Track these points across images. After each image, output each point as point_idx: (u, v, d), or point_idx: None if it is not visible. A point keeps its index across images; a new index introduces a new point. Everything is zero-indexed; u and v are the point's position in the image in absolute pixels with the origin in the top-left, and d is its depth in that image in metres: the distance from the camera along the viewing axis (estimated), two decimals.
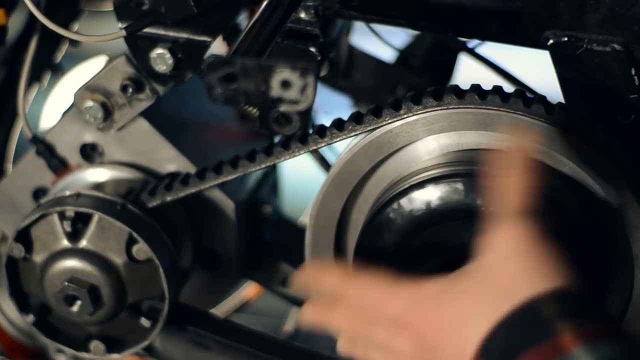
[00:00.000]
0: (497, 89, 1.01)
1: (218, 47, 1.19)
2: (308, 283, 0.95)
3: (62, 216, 1.11)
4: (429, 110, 1.01)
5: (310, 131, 1.06)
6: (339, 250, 1.09)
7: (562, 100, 1.05)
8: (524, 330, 0.81)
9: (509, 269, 0.84)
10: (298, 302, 1.32)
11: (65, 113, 1.18)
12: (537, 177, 0.88)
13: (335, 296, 0.92)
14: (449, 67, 1.47)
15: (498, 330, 0.82)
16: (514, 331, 0.81)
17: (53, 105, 1.60)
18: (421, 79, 1.47)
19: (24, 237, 1.13)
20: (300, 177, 1.63)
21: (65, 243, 1.12)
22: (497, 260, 0.85)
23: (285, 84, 0.85)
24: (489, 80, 1.10)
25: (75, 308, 1.12)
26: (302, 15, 1.06)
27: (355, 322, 0.91)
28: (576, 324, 0.80)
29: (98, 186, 1.16)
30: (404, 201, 1.00)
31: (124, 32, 1.08)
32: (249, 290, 1.61)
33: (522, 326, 0.81)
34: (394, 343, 0.89)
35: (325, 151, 1.32)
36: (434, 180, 1.00)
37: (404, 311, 0.88)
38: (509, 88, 1.03)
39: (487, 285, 0.85)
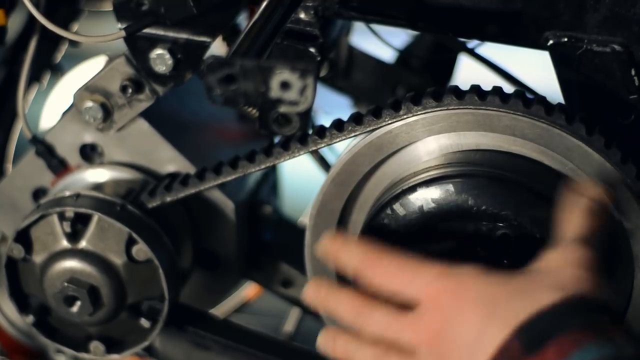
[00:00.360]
0: (497, 90, 1.01)
1: (218, 47, 1.19)
2: (329, 254, 0.94)
3: (61, 217, 1.11)
4: (429, 110, 1.01)
5: (310, 132, 1.06)
6: None
7: (562, 101, 1.05)
8: (570, 316, 0.81)
9: (561, 274, 0.85)
10: (298, 303, 1.32)
11: (64, 113, 1.18)
12: (604, 221, 0.91)
13: (353, 272, 0.92)
14: (449, 67, 1.47)
15: (540, 316, 0.82)
16: (560, 317, 0.81)
17: (53, 106, 1.60)
18: (421, 80, 1.47)
19: (23, 237, 1.13)
20: (300, 177, 1.63)
21: (64, 244, 1.12)
22: (550, 266, 0.87)
23: (285, 85, 0.85)
24: (489, 80, 1.10)
25: (75, 309, 1.12)
26: (302, 15, 1.06)
27: (355, 306, 0.91)
28: (618, 325, 0.82)
29: (98, 187, 1.16)
30: (404, 201, 1.00)
31: (123, 33, 1.08)
32: (249, 290, 1.61)
33: (568, 314, 0.82)
34: (396, 327, 0.88)
35: (325, 151, 1.32)
36: (434, 180, 1.00)
37: (429, 284, 0.88)
38: (508, 88, 1.03)
39: (536, 280, 0.85)
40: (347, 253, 0.93)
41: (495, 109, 1.00)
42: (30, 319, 1.16)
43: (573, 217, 0.91)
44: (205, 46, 1.09)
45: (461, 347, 0.85)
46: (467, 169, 1.00)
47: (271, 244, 1.30)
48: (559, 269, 0.86)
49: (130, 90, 1.13)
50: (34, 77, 1.41)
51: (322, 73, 1.41)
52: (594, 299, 0.84)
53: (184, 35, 1.09)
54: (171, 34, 1.09)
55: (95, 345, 1.16)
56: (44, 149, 1.18)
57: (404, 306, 0.89)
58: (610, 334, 0.81)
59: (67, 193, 1.13)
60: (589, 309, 0.83)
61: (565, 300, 0.83)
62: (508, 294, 0.84)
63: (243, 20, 1.19)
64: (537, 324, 0.82)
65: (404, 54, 1.50)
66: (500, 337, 0.82)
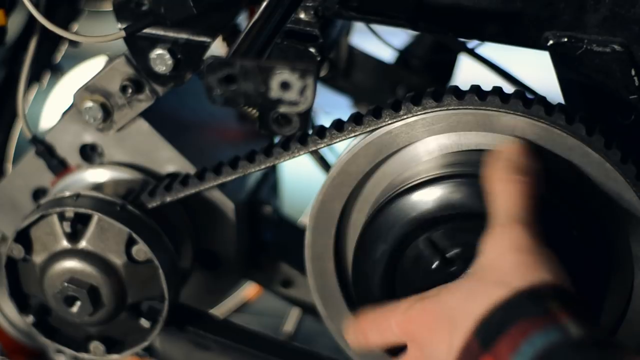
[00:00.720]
0: (497, 90, 1.01)
1: (218, 47, 1.19)
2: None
3: (61, 217, 1.11)
4: (429, 111, 1.01)
5: (310, 132, 1.06)
6: (338, 250, 1.09)
7: (562, 101, 1.05)
8: (517, 308, 0.82)
9: (502, 265, 0.86)
10: (298, 303, 1.32)
11: (64, 113, 1.18)
12: (532, 182, 0.91)
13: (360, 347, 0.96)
14: (449, 67, 1.47)
15: (491, 312, 0.83)
16: (508, 310, 0.83)
17: (53, 106, 1.60)
18: (421, 80, 1.47)
19: (23, 237, 1.13)
20: (300, 177, 1.63)
21: (64, 244, 1.12)
22: (490, 259, 0.88)
23: (285, 85, 0.85)
24: (489, 80, 1.10)
25: (74, 309, 1.12)
26: (302, 15, 1.06)
27: None
28: (567, 307, 0.82)
29: (98, 187, 1.16)
30: (404, 201, 1.00)
31: (123, 33, 1.08)
32: (249, 290, 1.61)
33: (516, 306, 0.83)
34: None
35: (325, 152, 1.32)
36: (434, 181, 1.00)
37: (400, 319, 0.91)
38: (509, 88, 1.03)
39: (480, 280, 0.87)
40: (348, 335, 0.97)
41: (495, 109, 1.00)
42: (30, 319, 1.16)
43: (500, 193, 0.91)
44: (205, 46, 1.09)
45: None
46: (467, 169, 1.00)
47: (271, 244, 1.30)
48: (499, 260, 0.87)
49: (130, 91, 1.13)
50: (34, 77, 1.41)
51: (322, 73, 1.41)
52: (540, 284, 0.84)
53: (184, 36, 1.09)
54: (171, 34, 1.09)
55: (95, 345, 1.16)
56: (44, 149, 1.18)
57: None
58: (558, 318, 0.81)
59: (67, 193, 1.13)
60: (537, 296, 0.83)
61: (513, 292, 0.83)
62: (461, 301, 0.86)
63: (243, 20, 1.19)
64: (490, 320, 0.83)
65: (404, 54, 1.50)
66: (460, 345, 0.85)
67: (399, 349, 0.93)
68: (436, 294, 0.89)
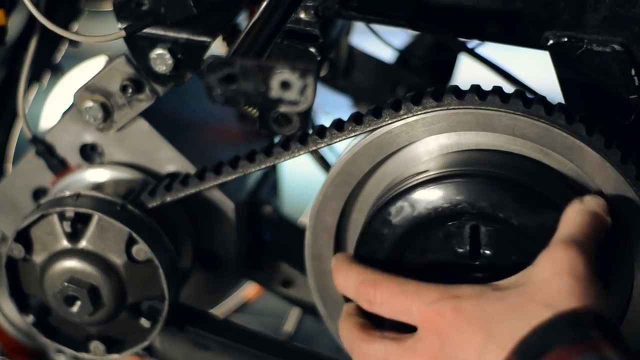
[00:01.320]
0: (497, 90, 1.01)
1: (218, 47, 1.19)
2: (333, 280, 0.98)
3: (61, 216, 1.11)
4: (429, 110, 1.01)
5: (310, 132, 1.06)
6: (338, 250, 1.09)
7: (562, 101, 1.05)
8: (560, 333, 0.83)
9: (555, 287, 0.86)
10: (298, 303, 1.32)
11: (65, 113, 1.18)
12: (603, 223, 0.93)
13: (353, 296, 0.95)
14: (449, 67, 1.47)
15: (535, 334, 0.83)
16: (550, 334, 0.83)
17: (53, 106, 1.60)
18: (421, 79, 1.47)
19: (23, 237, 1.13)
20: (300, 177, 1.63)
21: (65, 243, 1.12)
22: (542, 277, 0.87)
23: (285, 85, 0.85)
24: (489, 80, 1.10)
25: (75, 308, 1.12)
26: (302, 15, 1.06)
27: (355, 334, 0.96)
28: (607, 337, 0.82)
29: (98, 186, 1.16)
30: (404, 201, 1.00)
31: (123, 33, 1.08)
32: (249, 290, 1.61)
33: (558, 330, 0.83)
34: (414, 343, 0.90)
35: (325, 151, 1.32)
36: (434, 180, 1.00)
37: (427, 307, 0.90)
38: (509, 88, 1.03)
39: (528, 296, 0.86)
40: (344, 280, 0.97)
41: (495, 108, 1.00)
42: (30, 318, 1.16)
43: (568, 217, 0.92)
44: (205, 46, 1.09)
45: None
46: (467, 169, 1.00)
47: (271, 244, 1.30)
48: (550, 281, 0.87)
49: (130, 90, 1.13)
50: (34, 77, 1.41)
51: (322, 73, 1.41)
52: (585, 312, 0.84)
53: (184, 35, 1.09)
54: (171, 34, 1.09)
55: (95, 345, 1.16)
56: (44, 149, 1.18)
57: (406, 327, 0.91)
58: (599, 346, 0.82)
59: (67, 193, 1.13)
60: (580, 323, 0.83)
61: (558, 315, 0.84)
62: (503, 313, 0.86)
63: (243, 20, 1.19)
64: (532, 341, 0.83)
65: (404, 54, 1.50)
66: (501, 357, 0.84)
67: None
68: (475, 296, 0.88)
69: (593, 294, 0.86)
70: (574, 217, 0.92)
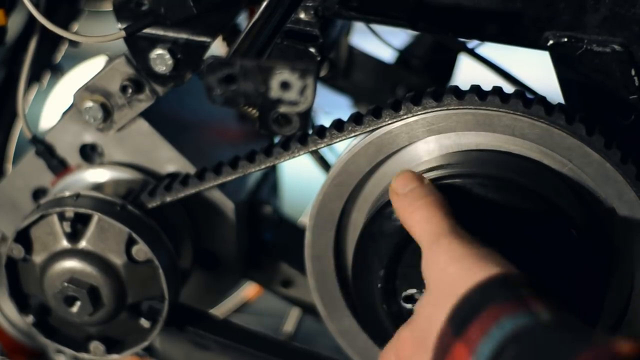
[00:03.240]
0: (497, 90, 1.01)
1: (218, 47, 1.19)
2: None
3: (61, 217, 1.11)
4: (429, 110, 1.01)
5: (310, 132, 1.06)
6: (338, 250, 1.09)
7: (562, 101, 1.05)
8: (488, 294, 0.84)
9: (447, 279, 0.87)
10: (298, 303, 1.32)
11: (65, 113, 1.18)
12: (435, 197, 0.94)
13: None
14: (449, 67, 1.47)
15: (464, 300, 0.84)
16: (479, 297, 0.84)
17: (53, 106, 1.60)
18: (421, 79, 1.47)
19: (23, 237, 1.13)
20: (300, 177, 1.63)
21: (64, 244, 1.12)
22: (435, 276, 0.89)
23: (285, 85, 0.85)
24: (489, 80, 1.10)
25: (74, 309, 1.12)
26: (302, 15, 1.06)
27: None
28: (535, 293, 0.83)
29: (98, 187, 1.16)
30: None
31: (123, 33, 1.08)
32: (249, 290, 1.61)
33: (486, 292, 0.84)
34: None
35: (325, 151, 1.32)
36: (434, 180, 0.99)
37: (396, 348, 0.93)
38: (509, 88, 1.03)
39: (435, 297, 0.88)
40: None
41: (495, 109, 1.00)
42: (30, 319, 1.16)
43: (412, 221, 0.94)
44: (205, 46, 1.09)
45: None
46: (467, 169, 1.00)
47: (271, 244, 1.30)
48: (442, 276, 0.88)
49: (130, 90, 1.13)
50: (34, 77, 1.41)
51: (322, 73, 1.41)
52: (514, 273, 0.85)
53: (184, 36, 1.09)
54: (171, 34, 1.09)
55: (95, 345, 1.16)
56: (44, 149, 1.19)
57: None
58: (527, 303, 0.82)
59: (67, 193, 1.13)
60: (510, 283, 0.84)
61: (488, 279, 0.84)
62: (426, 325, 0.88)
63: (243, 20, 1.19)
64: (462, 307, 0.84)
65: (404, 54, 1.50)
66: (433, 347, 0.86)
67: None
68: (411, 321, 0.91)
69: (488, 262, 0.86)
70: (411, 217, 0.93)
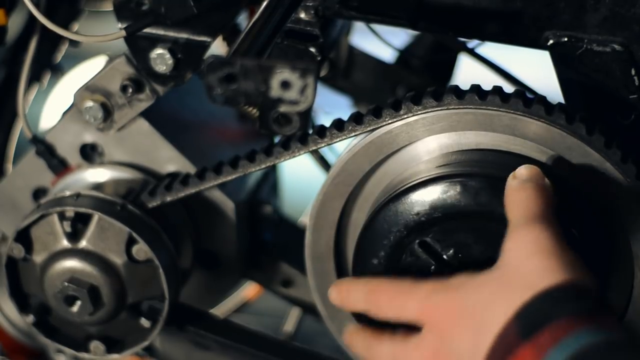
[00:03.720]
0: (497, 89, 1.01)
1: (218, 47, 1.19)
2: (340, 304, 0.99)
3: (62, 216, 1.11)
4: (429, 110, 1.01)
5: (310, 131, 1.06)
6: (338, 250, 1.09)
7: (562, 101, 1.05)
8: (560, 303, 0.84)
9: (528, 268, 0.87)
10: (298, 303, 1.32)
11: (65, 113, 1.18)
12: (546, 189, 0.93)
13: (364, 311, 0.96)
14: (449, 67, 1.47)
15: (534, 304, 0.84)
16: (551, 304, 0.84)
17: (53, 105, 1.60)
18: (421, 79, 1.47)
19: (23, 237, 1.13)
20: (300, 177, 1.63)
21: (65, 243, 1.12)
22: (516, 260, 0.88)
23: (285, 85, 0.85)
24: (489, 80, 1.10)
25: (75, 308, 1.12)
26: (302, 15, 1.06)
27: (365, 339, 0.97)
28: (589, 311, 0.83)
29: (98, 186, 1.17)
30: (404, 201, 1.00)
31: (123, 33, 1.08)
32: (249, 290, 1.61)
33: (560, 301, 0.84)
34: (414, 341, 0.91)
35: (325, 151, 1.32)
36: (434, 180, 1.00)
37: (421, 303, 0.91)
38: (509, 88, 1.03)
39: (507, 280, 0.87)
40: (353, 295, 0.97)
41: (495, 108, 1.00)
42: (31, 318, 1.16)
43: (514, 196, 0.93)
44: (205, 46, 1.09)
45: (460, 358, 0.88)
46: (467, 168, 1.00)
47: (271, 243, 1.30)
48: (524, 263, 0.87)
49: (130, 90, 1.13)
50: (34, 77, 1.41)
51: (322, 73, 1.41)
52: (574, 285, 0.85)
53: (184, 35, 1.09)
54: (171, 33, 1.09)
55: (96, 345, 1.16)
56: (44, 148, 1.19)
57: (416, 328, 0.92)
58: (600, 320, 0.82)
59: (68, 193, 1.13)
60: (580, 295, 0.84)
61: (557, 286, 0.84)
62: (488, 301, 0.87)
63: (243, 20, 1.19)
64: (532, 311, 0.84)
65: (404, 54, 1.50)
66: (491, 341, 0.85)
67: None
68: (460, 286, 0.89)
69: (570, 266, 0.86)
70: (518, 194, 0.93)
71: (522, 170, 0.95)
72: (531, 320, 0.83)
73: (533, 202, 0.91)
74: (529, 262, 0.87)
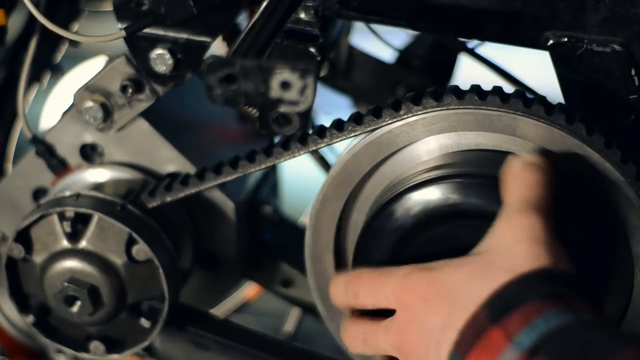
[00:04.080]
0: (497, 90, 1.01)
1: (218, 47, 1.19)
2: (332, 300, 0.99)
3: (61, 217, 1.11)
4: (429, 110, 1.01)
5: (310, 132, 1.06)
6: (338, 250, 1.09)
7: (562, 101, 1.05)
8: (532, 287, 0.84)
9: (515, 253, 0.87)
10: (298, 303, 1.32)
11: (65, 113, 1.18)
12: (549, 178, 0.92)
13: (350, 304, 0.97)
14: (449, 67, 1.47)
15: (506, 288, 0.84)
16: (522, 288, 0.84)
17: (53, 106, 1.60)
18: (421, 79, 1.47)
19: (23, 237, 1.13)
20: (300, 177, 1.63)
21: (65, 243, 1.12)
22: (505, 243, 0.88)
23: (285, 85, 0.85)
24: (489, 80, 1.10)
25: (75, 308, 1.12)
26: (302, 15, 1.06)
27: (343, 324, 0.98)
28: (560, 293, 0.83)
29: (98, 186, 1.17)
30: (404, 201, 1.00)
31: (123, 33, 1.08)
32: (249, 290, 1.61)
33: (531, 285, 0.84)
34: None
35: (325, 151, 1.32)
36: (434, 180, 1.00)
37: (395, 286, 0.92)
38: (509, 88, 1.03)
39: (491, 261, 0.88)
40: (335, 288, 0.98)
41: (495, 108, 1.00)
42: (30, 318, 1.16)
43: (515, 182, 0.92)
44: (205, 46, 1.09)
45: (426, 339, 0.88)
46: (467, 169, 1.00)
47: (271, 243, 1.30)
48: (511, 248, 0.87)
49: (130, 90, 1.13)
50: (34, 77, 1.41)
51: (322, 73, 1.41)
52: (557, 270, 0.85)
53: (184, 35, 1.09)
54: (171, 34, 1.09)
55: (95, 345, 1.16)
56: (44, 149, 1.18)
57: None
58: (570, 302, 0.83)
59: (67, 193, 1.13)
60: (553, 279, 0.84)
61: (530, 272, 0.85)
62: (465, 279, 0.87)
63: (243, 20, 1.19)
64: (502, 295, 0.84)
65: (404, 54, 1.50)
66: (463, 321, 0.85)
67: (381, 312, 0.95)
68: (440, 267, 0.90)
69: (556, 256, 0.87)
70: (520, 175, 0.92)
71: (530, 155, 0.94)
72: (503, 303, 0.84)
73: (534, 188, 0.91)
74: (517, 248, 0.87)
